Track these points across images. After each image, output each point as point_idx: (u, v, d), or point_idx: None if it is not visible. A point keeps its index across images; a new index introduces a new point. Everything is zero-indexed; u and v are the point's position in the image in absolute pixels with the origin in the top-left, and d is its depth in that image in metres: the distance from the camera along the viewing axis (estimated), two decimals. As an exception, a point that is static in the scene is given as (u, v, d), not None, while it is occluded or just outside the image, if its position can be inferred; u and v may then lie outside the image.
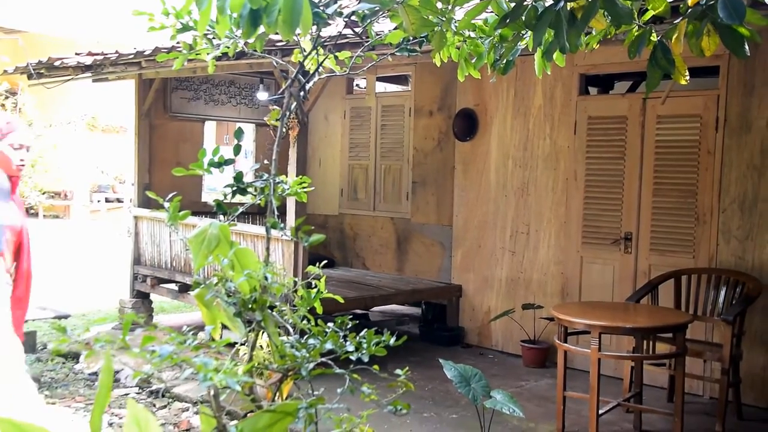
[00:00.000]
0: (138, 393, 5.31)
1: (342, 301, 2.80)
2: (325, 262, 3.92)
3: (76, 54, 6.72)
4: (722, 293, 5.11)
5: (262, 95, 8.04)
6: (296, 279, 3.40)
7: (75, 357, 6.12)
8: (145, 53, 5.87)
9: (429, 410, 5.01)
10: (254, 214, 8.03)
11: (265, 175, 2.20)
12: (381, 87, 8.92)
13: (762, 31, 3.62)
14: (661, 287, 5.31)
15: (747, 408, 5.07)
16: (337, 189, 8.30)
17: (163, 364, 1.87)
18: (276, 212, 2.12)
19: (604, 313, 4.61)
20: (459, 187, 7.10)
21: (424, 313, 7.31)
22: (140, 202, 7.39)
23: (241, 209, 2.39)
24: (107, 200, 17.64)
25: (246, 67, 6.09)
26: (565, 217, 6.30)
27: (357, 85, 8.58)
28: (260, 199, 2.21)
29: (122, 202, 16.40)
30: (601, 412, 4.33)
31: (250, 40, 2.36)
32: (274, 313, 2.20)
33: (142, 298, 7.43)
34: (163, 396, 5.20)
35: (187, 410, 5.04)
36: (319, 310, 2.69)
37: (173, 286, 7.04)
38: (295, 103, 2.24)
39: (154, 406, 5.09)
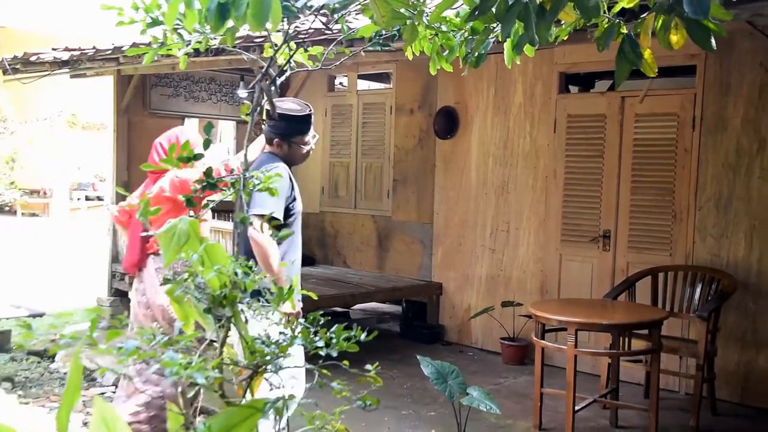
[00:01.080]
0: (114, 392, 5.26)
1: (316, 297, 2.78)
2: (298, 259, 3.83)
3: (53, 49, 6.65)
4: (698, 290, 5.16)
5: (243, 92, 8.01)
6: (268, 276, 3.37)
7: (51, 356, 6.06)
8: (122, 49, 5.82)
9: (407, 408, 5.01)
10: (233, 211, 8.00)
11: (236, 170, 2.19)
12: (365, 85, 8.91)
13: (737, 31, 3.66)
14: (639, 284, 5.35)
15: (721, 403, 5.12)
16: (318, 187, 8.28)
17: (130, 360, 1.85)
18: (246, 208, 2.10)
19: (581, 310, 4.63)
20: (439, 185, 7.11)
21: (404, 310, 7.31)
22: (118, 199, 7.33)
23: (211, 204, 2.36)
24: (87, 198, 17.51)
25: (225, 63, 6.06)
26: (544, 215, 6.33)
27: (340, 83, 8.57)
28: (231, 195, 2.20)
29: (103, 200, 16.29)
30: (577, 408, 4.36)
31: (221, 35, 2.35)
32: (245, 308, 2.19)
33: (120, 296, 7.38)
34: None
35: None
36: (293, 306, 2.66)
37: (152, 284, 6.99)
38: (265, 98, 2.22)
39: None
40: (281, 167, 3.47)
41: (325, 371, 1.97)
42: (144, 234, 3.74)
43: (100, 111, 14.99)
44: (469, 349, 6.74)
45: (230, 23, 1.89)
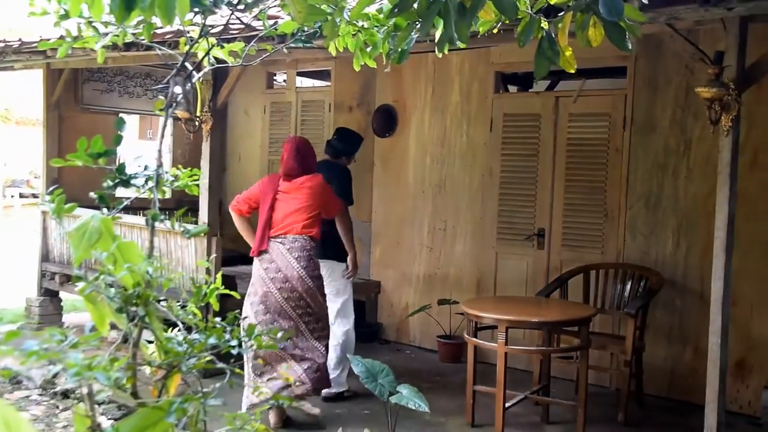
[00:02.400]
0: (41, 395, 5.12)
1: (238, 297, 2.74)
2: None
3: (-23, 41, 6.41)
4: (628, 287, 5.27)
5: (178, 88, 7.86)
6: (189, 274, 3.29)
7: (-25, 358, 5.85)
8: (50, 42, 5.64)
9: (342, 406, 4.99)
10: (171, 209, 7.85)
11: (150, 167, 2.13)
12: (309, 83, 8.85)
13: (665, 34, 3.73)
14: (571, 282, 5.44)
15: (649, 397, 5.24)
16: (256, 184, 8.18)
17: (30, 361, 1.79)
18: (159, 206, 2.06)
19: (513, 307, 4.68)
20: (378, 183, 7.11)
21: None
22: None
23: (126, 202, 2.30)
24: (22, 195, 17.00)
25: (157, 58, 5.93)
26: (481, 213, 6.38)
27: (284, 80, 8.48)
28: (145, 192, 2.15)
29: (38, 197, 15.82)
30: (508, 405, 4.41)
31: (137, 29, 2.29)
32: (165, 308, 2.14)
33: (50, 296, 7.17)
34: (67, 397, 5.03)
35: (101, 399, 4.89)
36: (215, 306, 2.62)
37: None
38: (181, 95, 2.17)
39: (57, 407, 4.91)
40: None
41: (238, 371, 1.94)
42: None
43: (35, 106, 14.56)
44: (407, 347, 6.76)
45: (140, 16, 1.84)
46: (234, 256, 7.82)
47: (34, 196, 16.72)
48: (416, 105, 6.79)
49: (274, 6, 2.30)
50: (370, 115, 7.13)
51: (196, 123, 5.42)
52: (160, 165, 2.14)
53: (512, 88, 6.80)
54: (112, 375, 1.83)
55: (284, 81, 8.45)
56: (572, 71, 2.40)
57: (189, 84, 2.20)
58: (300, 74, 8.22)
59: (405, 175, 6.86)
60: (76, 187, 6.66)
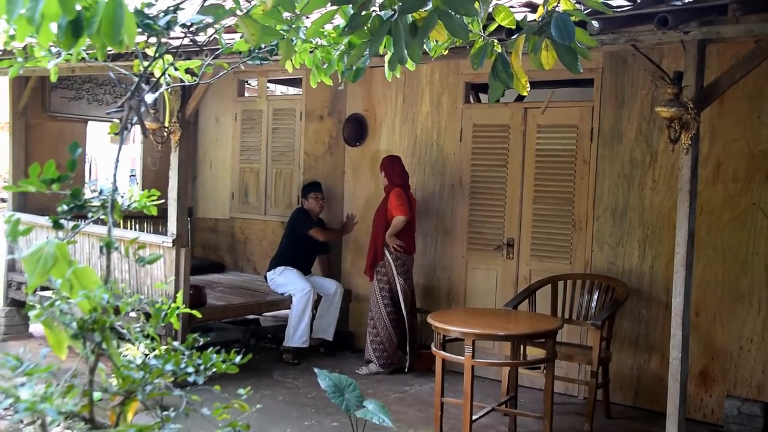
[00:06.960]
0: (5, 410, 5.04)
1: (199, 316, 2.73)
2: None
3: (-61, 48, 6.31)
4: (595, 298, 5.31)
5: (150, 96, 7.79)
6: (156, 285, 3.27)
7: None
8: (12, 51, 5.58)
9: (310, 418, 4.98)
10: (139, 216, 7.79)
11: (104, 190, 2.12)
12: (282, 88, 8.83)
13: (629, 49, 3.78)
14: (539, 292, 5.47)
15: (615, 407, 5.29)
16: (228, 192, 8.14)
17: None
18: (115, 219, 2.05)
19: (480, 320, 4.70)
20: (349, 191, 7.11)
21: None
22: (16, 204, 7.04)
23: (83, 225, 2.29)
24: (-9, 200, 16.74)
25: (126, 67, 5.87)
26: (451, 223, 6.41)
27: (256, 85, 8.45)
28: (103, 215, 2.13)
29: (6, 201, 15.58)
30: (476, 416, 4.43)
31: (90, 49, 2.27)
32: (125, 331, 2.12)
33: (17, 306, 7.08)
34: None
35: (58, 425, 4.83)
36: (176, 325, 2.61)
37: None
38: (136, 118, 2.16)
39: (22, 422, 4.83)
40: None
41: (195, 397, 1.93)
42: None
43: (5, 110, 14.34)
44: (378, 356, 6.74)
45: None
46: (204, 264, 7.78)
47: (2, 200, 16.47)
48: (387, 114, 6.80)
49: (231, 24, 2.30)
50: (341, 123, 7.13)
51: (164, 133, 5.38)
52: (114, 189, 2.13)
53: (484, 97, 6.82)
54: (66, 406, 1.81)
55: (256, 86, 8.42)
56: (525, 93, 2.44)
57: (144, 106, 2.19)
58: (272, 81, 8.21)
59: (376, 185, 6.85)
60: (43, 195, 6.60)
